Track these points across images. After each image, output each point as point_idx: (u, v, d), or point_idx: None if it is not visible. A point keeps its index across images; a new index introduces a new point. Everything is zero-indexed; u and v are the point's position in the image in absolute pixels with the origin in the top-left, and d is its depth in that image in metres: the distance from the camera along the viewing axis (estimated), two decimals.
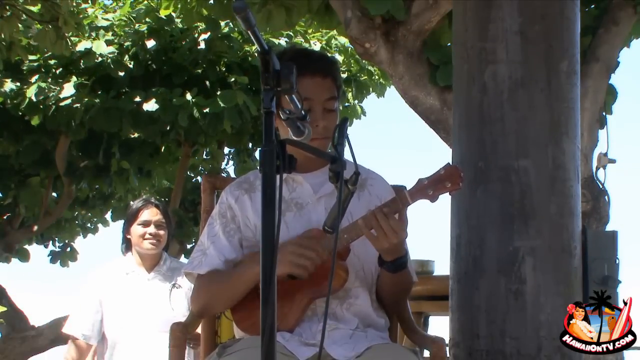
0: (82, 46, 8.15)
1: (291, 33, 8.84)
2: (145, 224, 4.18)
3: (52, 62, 8.70)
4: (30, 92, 8.29)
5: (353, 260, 2.53)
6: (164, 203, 4.47)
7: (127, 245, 4.26)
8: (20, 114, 8.61)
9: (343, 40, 9.36)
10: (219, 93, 8.25)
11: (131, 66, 8.54)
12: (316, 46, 9.22)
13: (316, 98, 2.53)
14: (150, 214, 4.20)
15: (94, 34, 8.48)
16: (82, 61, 8.35)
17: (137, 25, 8.59)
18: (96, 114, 8.34)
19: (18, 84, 8.57)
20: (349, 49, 9.27)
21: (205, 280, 2.58)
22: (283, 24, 5.11)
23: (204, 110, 8.18)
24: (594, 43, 5.09)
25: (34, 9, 6.30)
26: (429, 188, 2.41)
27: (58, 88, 8.35)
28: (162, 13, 8.14)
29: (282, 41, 8.94)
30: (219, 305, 2.64)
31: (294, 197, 2.58)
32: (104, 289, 4.18)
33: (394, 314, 2.73)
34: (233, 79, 8.40)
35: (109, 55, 8.42)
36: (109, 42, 8.49)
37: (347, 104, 9.96)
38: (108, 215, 12.18)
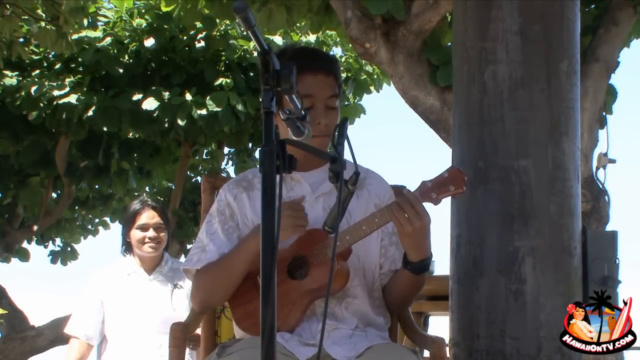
0: (79, 35, 8.12)
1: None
2: (144, 227, 4.16)
3: (52, 58, 8.73)
4: (28, 86, 8.30)
5: (353, 260, 2.53)
6: (161, 203, 4.46)
7: (127, 247, 4.25)
8: (20, 112, 8.62)
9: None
10: (209, 95, 8.25)
11: (130, 62, 8.55)
12: (311, 37, 9.20)
13: (318, 95, 2.53)
14: (148, 216, 4.18)
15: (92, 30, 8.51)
16: (80, 57, 8.35)
17: (135, 22, 8.60)
18: (95, 112, 8.34)
19: (17, 73, 8.57)
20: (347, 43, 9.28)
21: (202, 272, 2.58)
22: (284, 23, 5.12)
23: (199, 112, 8.18)
24: (594, 43, 5.09)
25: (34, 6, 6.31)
26: (432, 191, 2.41)
27: (58, 83, 8.36)
28: (164, 9, 8.15)
29: (278, 38, 8.94)
30: (219, 293, 2.59)
31: (291, 195, 2.58)
32: (106, 290, 4.18)
33: (400, 314, 2.74)
34: (221, 81, 8.39)
35: (107, 50, 8.43)
36: (107, 34, 8.50)
37: (346, 102, 9.96)
38: (108, 217, 12.18)
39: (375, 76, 9.75)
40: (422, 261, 2.49)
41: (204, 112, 8.18)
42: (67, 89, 8.37)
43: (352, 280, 2.53)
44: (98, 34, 8.49)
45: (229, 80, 8.40)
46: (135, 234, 4.17)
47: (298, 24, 6.21)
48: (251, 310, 2.51)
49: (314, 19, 5.43)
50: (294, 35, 9.08)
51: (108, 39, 8.51)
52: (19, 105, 8.50)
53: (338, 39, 9.30)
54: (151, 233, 4.15)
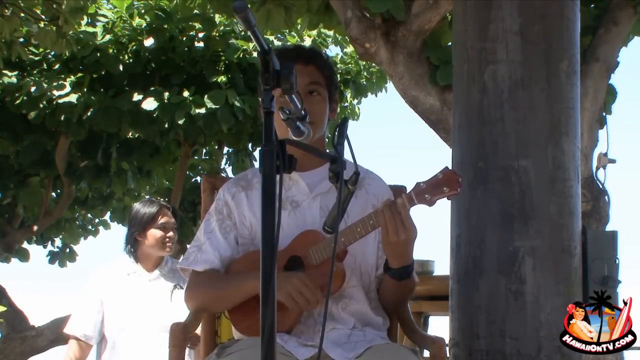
0: (77, 32, 8.10)
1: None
2: (165, 228, 4.20)
3: (52, 58, 8.74)
4: (28, 86, 8.30)
5: (349, 261, 2.53)
6: (170, 204, 4.50)
7: (134, 245, 4.24)
8: (20, 112, 8.62)
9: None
10: (208, 93, 8.24)
11: (130, 62, 8.55)
12: (307, 41, 9.21)
13: (297, 83, 2.53)
14: (167, 217, 4.23)
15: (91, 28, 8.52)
16: (79, 55, 8.34)
17: (135, 22, 8.60)
18: (95, 112, 8.35)
19: (17, 73, 8.57)
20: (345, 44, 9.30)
21: (202, 280, 2.59)
22: (282, 24, 5.11)
23: (198, 111, 8.18)
24: (594, 43, 5.09)
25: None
26: (427, 193, 2.40)
27: (58, 83, 8.37)
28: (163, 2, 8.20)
29: (277, 41, 8.95)
30: (215, 308, 2.69)
31: (289, 195, 2.58)
32: (106, 289, 4.18)
33: (394, 315, 2.73)
34: (216, 79, 8.40)
35: (107, 50, 8.43)
36: (106, 31, 8.51)
37: (345, 104, 9.98)
38: (107, 216, 12.19)
39: (375, 80, 9.78)
40: (402, 268, 2.49)
41: (202, 110, 8.18)
42: (68, 88, 8.38)
43: (349, 281, 2.53)
44: (97, 30, 8.49)
45: (224, 78, 8.40)
46: (156, 234, 4.19)
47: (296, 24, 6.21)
48: (248, 311, 2.51)
49: (314, 19, 5.43)
50: (291, 38, 9.09)
51: (107, 37, 8.52)
52: (19, 105, 8.50)
53: (339, 38, 9.33)
54: (170, 234, 4.20)
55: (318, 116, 2.57)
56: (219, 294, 2.56)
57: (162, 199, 4.56)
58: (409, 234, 2.39)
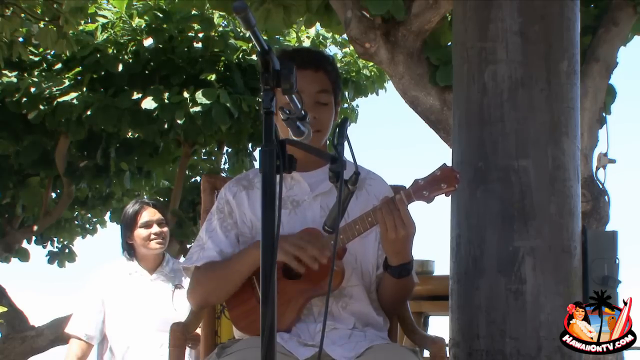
0: (76, 32, 8.08)
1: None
2: (148, 225, 4.19)
3: (52, 58, 8.73)
4: (28, 85, 8.30)
5: (349, 259, 2.53)
6: (158, 201, 4.48)
7: (129, 250, 4.25)
8: (19, 112, 8.62)
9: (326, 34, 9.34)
10: (199, 91, 8.21)
11: (130, 62, 8.55)
12: (305, 42, 9.21)
13: (306, 90, 2.52)
14: (149, 214, 4.21)
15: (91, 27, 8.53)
16: (79, 54, 8.34)
17: (135, 22, 8.60)
18: (95, 111, 8.34)
19: (17, 73, 8.56)
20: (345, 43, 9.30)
21: (202, 271, 2.59)
22: (281, 24, 5.11)
23: (194, 109, 8.16)
24: (594, 43, 5.09)
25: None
26: (424, 189, 2.41)
27: (57, 82, 8.37)
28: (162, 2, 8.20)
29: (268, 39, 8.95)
30: (217, 294, 2.61)
31: (290, 194, 2.59)
32: (107, 289, 4.19)
33: (394, 315, 2.74)
34: (204, 77, 8.38)
35: (107, 49, 8.43)
36: (104, 30, 8.51)
37: (345, 105, 9.98)
38: (107, 216, 12.19)
39: (372, 81, 9.78)
40: (401, 265, 2.49)
41: (198, 108, 8.16)
42: (67, 83, 8.37)
43: (349, 280, 2.53)
44: (94, 27, 8.49)
45: (214, 77, 8.39)
46: (140, 233, 4.19)
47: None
48: (248, 310, 2.52)
49: (313, 19, 5.42)
50: (292, 40, 9.09)
51: (104, 36, 8.52)
52: (19, 104, 8.50)
53: (338, 38, 9.33)
54: (155, 229, 4.19)
55: (325, 125, 2.58)
56: (219, 276, 2.55)
57: (154, 198, 4.54)
58: (408, 230, 2.39)
